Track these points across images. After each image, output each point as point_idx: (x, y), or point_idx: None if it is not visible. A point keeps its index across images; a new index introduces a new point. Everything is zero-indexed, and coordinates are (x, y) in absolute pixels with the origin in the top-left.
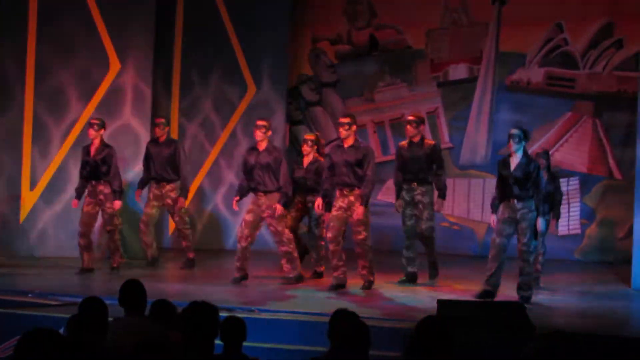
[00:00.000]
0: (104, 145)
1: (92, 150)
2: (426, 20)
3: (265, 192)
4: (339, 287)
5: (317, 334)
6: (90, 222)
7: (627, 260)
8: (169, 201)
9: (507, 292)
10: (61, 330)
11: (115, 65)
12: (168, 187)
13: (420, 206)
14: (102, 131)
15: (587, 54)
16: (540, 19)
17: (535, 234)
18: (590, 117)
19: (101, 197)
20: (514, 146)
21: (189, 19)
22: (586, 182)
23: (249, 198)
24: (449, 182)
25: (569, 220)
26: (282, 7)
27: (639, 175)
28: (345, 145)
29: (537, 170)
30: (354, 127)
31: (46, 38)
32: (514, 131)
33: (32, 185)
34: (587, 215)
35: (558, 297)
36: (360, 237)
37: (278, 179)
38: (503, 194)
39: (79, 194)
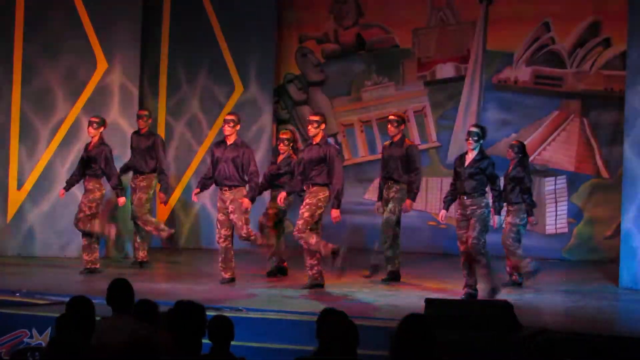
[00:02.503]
0: (100, 143)
1: (90, 147)
2: (413, 19)
3: (230, 187)
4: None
5: (304, 333)
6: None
7: (615, 259)
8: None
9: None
10: (49, 330)
11: (102, 64)
12: (140, 178)
13: (391, 202)
14: (101, 129)
15: (574, 52)
16: (527, 17)
17: (485, 228)
18: (578, 116)
19: (85, 191)
20: (472, 144)
21: (176, 18)
22: (573, 181)
23: (213, 193)
24: (436, 180)
25: (557, 219)
26: (268, 6)
27: (627, 174)
28: (314, 143)
29: (491, 167)
30: (322, 126)
31: (33, 37)
32: (473, 129)
33: (20, 184)
34: (575, 214)
35: (545, 296)
36: (301, 222)
37: (244, 173)
38: (456, 190)
39: (68, 186)
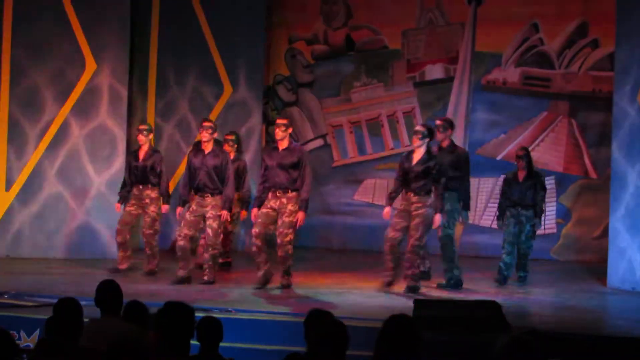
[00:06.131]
0: (153, 150)
1: (141, 155)
2: (402, 20)
3: (212, 194)
4: (267, 283)
5: (293, 334)
6: (129, 221)
7: (603, 259)
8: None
9: (484, 290)
10: (37, 332)
11: (90, 65)
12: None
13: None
14: (150, 136)
15: (563, 53)
16: (516, 19)
17: (428, 229)
18: (566, 117)
19: (147, 200)
20: (417, 142)
21: (165, 19)
22: (562, 182)
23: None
24: None
25: (545, 219)
26: (258, 7)
27: (614, 175)
28: (280, 148)
29: (438, 167)
30: (290, 130)
31: (21, 38)
32: (419, 128)
33: (8, 186)
34: (563, 215)
35: (533, 296)
36: (287, 239)
37: (223, 181)
38: (401, 186)
39: (123, 199)
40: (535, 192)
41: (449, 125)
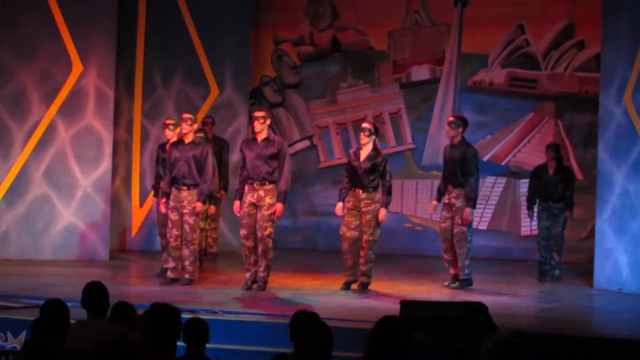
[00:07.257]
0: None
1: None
2: (388, 21)
3: (189, 187)
4: (254, 284)
5: (280, 335)
6: (166, 221)
7: (589, 260)
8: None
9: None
10: (23, 333)
11: (77, 67)
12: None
13: (454, 209)
14: (177, 130)
15: (549, 54)
16: (502, 20)
17: (378, 224)
18: (553, 118)
19: None
20: (363, 139)
21: (151, 21)
22: None
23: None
24: (412, 183)
25: (531, 220)
26: (244, 9)
27: (601, 176)
28: (259, 139)
29: (385, 163)
30: (268, 121)
31: (7, 40)
32: (365, 125)
33: None
34: None
35: (520, 297)
36: (266, 232)
37: (201, 173)
38: (350, 183)
39: (155, 191)
40: (566, 186)
41: (461, 122)
